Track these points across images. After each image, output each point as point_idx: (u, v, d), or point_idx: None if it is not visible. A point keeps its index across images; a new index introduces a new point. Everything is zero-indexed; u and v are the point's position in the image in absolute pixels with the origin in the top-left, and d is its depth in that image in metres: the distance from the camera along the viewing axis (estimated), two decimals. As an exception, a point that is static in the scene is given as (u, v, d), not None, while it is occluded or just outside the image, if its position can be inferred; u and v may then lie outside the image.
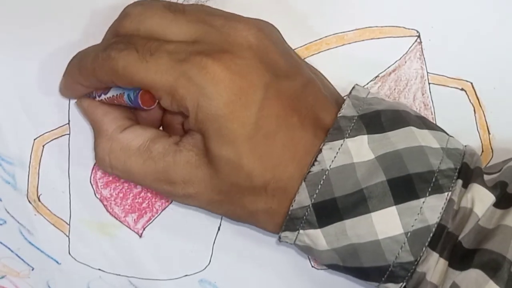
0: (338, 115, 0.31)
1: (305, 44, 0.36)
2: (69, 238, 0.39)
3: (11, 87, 0.37)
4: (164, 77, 0.30)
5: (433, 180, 0.30)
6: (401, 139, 0.31)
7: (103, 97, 0.34)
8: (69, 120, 0.38)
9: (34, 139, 0.38)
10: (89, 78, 0.33)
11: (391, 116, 0.32)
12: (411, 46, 0.36)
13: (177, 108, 0.31)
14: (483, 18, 0.35)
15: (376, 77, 0.37)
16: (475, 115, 0.37)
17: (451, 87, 0.37)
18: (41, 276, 0.40)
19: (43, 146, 0.38)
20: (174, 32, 0.31)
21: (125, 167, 0.33)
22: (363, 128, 0.31)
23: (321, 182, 0.30)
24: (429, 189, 0.30)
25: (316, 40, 0.36)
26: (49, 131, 0.38)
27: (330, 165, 0.30)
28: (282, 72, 0.31)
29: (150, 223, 0.39)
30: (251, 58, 0.30)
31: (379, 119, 0.31)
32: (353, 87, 0.33)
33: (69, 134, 0.38)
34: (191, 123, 0.31)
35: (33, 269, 0.40)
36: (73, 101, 0.37)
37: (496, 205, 0.31)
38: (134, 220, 0.39)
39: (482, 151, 0.38)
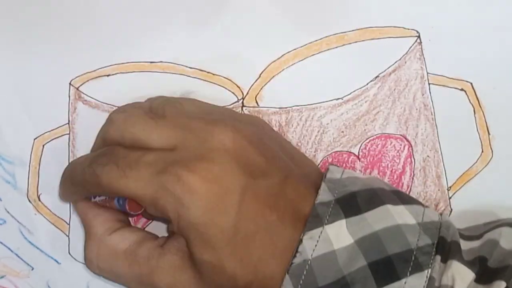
0: (316, 202, 0.31)
1: (305, 44, 0.36)
2: (69, 238, 0.39)
3: (11, 87, 0.37)
4: (144, 190, 0.31)
5: (413, 258, 0.31)
6: (378, 219, 0.31)
7: (97, 198, 0.35)
8: (69, 120, 0.38)
9: (34, 139, 0.38)
10: (80, 190, 0.35)
11: (367, 196, 0.32)
12: (411, 47, 0.36)
13: (161, 215, 0.32)
14: (483, 18, 0.36)
15: (376, 77, 0.37)
16: (475, 116, 0.37)
17: (451, 87, 0.37)
18: (41, 276, 0.40)
19: (43, 145, 0.38)
20: (155, 139, 0.32)
21: (112, 270, 0.34)
22: (340, 212, 0.31)
23: (304, 273, 0.30)
24: (409, 269, 0.30)
25: (316, 40, 0.36)
26: (49, 131, 0.38)
27: (311, 254, 0.30)
28: (260, 171, 0.32)
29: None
30: (227, 162, 0.31)
31: (355, 201, 0.32)
32: (328, 169, 0.34)
33: (69, 134, 0.38)
34: (174, 229, 0.32)
35: (33, 269, 0.40)
36: (72, 102, 0.37)
37: (477, 280, 0.31)
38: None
39: (482, 151, 0.38)
